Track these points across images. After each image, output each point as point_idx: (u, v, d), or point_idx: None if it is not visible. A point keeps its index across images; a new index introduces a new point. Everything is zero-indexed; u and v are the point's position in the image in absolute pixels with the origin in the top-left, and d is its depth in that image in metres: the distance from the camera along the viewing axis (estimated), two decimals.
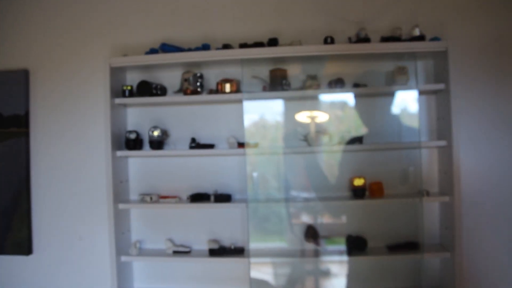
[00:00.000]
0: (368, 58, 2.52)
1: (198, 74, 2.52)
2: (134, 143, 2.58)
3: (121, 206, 2.56)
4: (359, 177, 2.48)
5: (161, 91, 2.58)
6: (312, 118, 2.61)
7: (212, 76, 2.62)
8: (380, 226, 2.57)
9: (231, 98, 2.50)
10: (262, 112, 2.60)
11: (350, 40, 2.50)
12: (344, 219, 2.60)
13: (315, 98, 2.59)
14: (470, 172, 2.49)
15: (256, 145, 2.51)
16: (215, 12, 2.69)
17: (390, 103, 2.57)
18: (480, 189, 2.52)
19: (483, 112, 2.54)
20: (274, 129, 2.61)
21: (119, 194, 2.58)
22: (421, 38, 2.41)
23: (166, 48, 2.52)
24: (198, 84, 2.51)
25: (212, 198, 2.52)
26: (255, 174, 2.53)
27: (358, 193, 2.47)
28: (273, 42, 2.46)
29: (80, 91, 2.78)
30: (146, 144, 2.64)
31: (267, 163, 2.60)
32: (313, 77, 2.50)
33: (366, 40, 2.45)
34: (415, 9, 2.59)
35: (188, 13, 2.71)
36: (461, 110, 2.45)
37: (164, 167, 2.71)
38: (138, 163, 2.73)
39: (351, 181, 2.52)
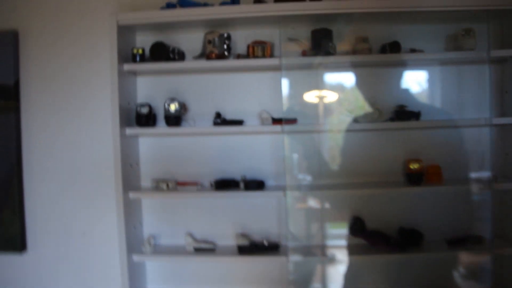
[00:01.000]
0: (423, 18, 2.12)
1: (225, 35, 2.08)
2: (146, 119, 2.14)
3: (132, 195, 2.13)
4: (416, 159, 2.10)
5: (179, 55, 2.15)
6: (359, 90, 2.21)
7: (239, 38, 2.18)
8: (437, 217, 2.19)
9: (264, 64, 2.07)
10: (301, 82, 2.18)
11: None
12: (395, 209, 2.21)
13: (364, 65, 2.17)
14: None
15: (294, 122, 2.11)
16: None
17: (450, 72, 2.19)
18: None
19: None
20: (314, 102, 2.20)
21: (129, 180, 2.15)
22: None
23: (186, 2, 2.08)
24: (225, 46, 2.08)
25: (241, 185, 2.11)
26: (295, 156, 2.12)
27: (413, 178, 2.09)
28: None
29: (80, 55, 2.32)
30: (160, 120, 2.21)
31: (306, 143, 2.18)
32: (364, 39, 2.09)
33: None
34: None
35: None
36: None
37: (181, 148, 2.28)
38: (150, 143, 2.30)
39: (406, 165, 2.13)
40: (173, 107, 2.12)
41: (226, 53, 2.08)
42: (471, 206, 2.14)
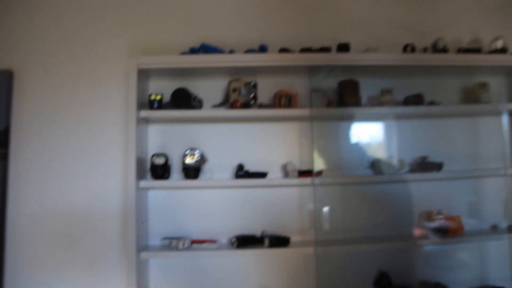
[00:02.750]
0: (441, 72, 2.18)
1: (253, 83, 1.99)
2: (162, 170, 1.96)
3: (145, 255, 1.91)
4: (440, 212, 2.09)
5: (199, 103, 2.02)
6: (381, 140, 2.20)
7: (262, 85, 2.07)
8: (458, 269, 2.17)
9: (291, 115, 1.99)
10: (326, 133, 2.11)
11: (425, 51, 2.15)
12: (417, 262, 2.16)
13: (386, 117, 2.17)
14: None
15: (320, 174, 2.02)
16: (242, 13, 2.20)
17: (465, 125, 2.25)
18: None
19: None
20: (339, 154, 2.14)
21: (139, 239, 1.92)
22: (503, 51, 2.13)
23: (209, 48, 1.97)
24: (251, 95, 1.98)
25: (266, 241, 1.97)
26: (325, 210, 2.02)
27: (438, 230, 2.08)
28: (344, 48, 2.02)
29: (85, 99, 2.10)
30: (174, 172, 2.05)
31: (334, 195, 2.09)
32: (388, 91, 2.09)
33: (444, 50, 2.11)
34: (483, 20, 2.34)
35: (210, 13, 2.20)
36: None
37: (193, 202, 2.09)
38: (159, 197, 2.08)
39: (429, 216, 2.12)
40: (194, 158, 1.96)
41: (252, 102, 1.99)
42: (492, 256, 2.16)
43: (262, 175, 2.02)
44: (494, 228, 2.19)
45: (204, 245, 1.99)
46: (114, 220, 2.02)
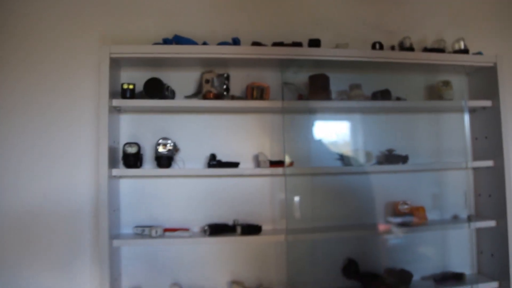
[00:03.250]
0: (407, 70, 2.28)
1: (225, 75, 2.03)
2: (134, 159, 1.97)
3: (116, 242, 1.91)
4: (405, 202, 2.19)
5: (171, 93, 2.05)
6: (349, 133, 2.28)
7: (234, 78, 2.11)
8: (422, 256, 2.27)
9: (263, 107, 2.04)
10: (296, 125, 2.18)
11: (393, 49, 2.25)
12: (383, 250, 2.25)
13: (355, 111, 2.25)
14: None
15: (291, 164, 2.08)
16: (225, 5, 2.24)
17: (428, 120, 2.35)
18: None
19: None
20: (309, 145, 2.21)
21: (111, 227, 1.92)
22: (465, 51, 2.25)
23: (182, 39, 2.00)
24: (224, 87, 2.02)
25: (238, 229, 2.01)
26: (296, 199, 2.08)
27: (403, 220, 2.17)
28: (314, 43, 2.09)
29: (56, 92, 2.07)
30: (146, 161, 2.07)
31: (304, 185, 2.15)
32: (357, 86, 2.17)
33: (410, 49, 2.21)
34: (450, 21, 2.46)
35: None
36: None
37: (165, 191, 2.10)
38: (131, 186, 2.09)
39: (395, 207, 2.21)
40: (166, 147, 1.98)
41: (225, 93, 2.03)
42: (452, 244, 2.28)
43: (234, 164, 2.06)
44: (455, 218, 2.31)
45: (176, 233, 2.01)
46: (85, 209, 2.02)
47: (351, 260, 2.16)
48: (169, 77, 2.09)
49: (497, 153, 2.17)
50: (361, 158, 2.16)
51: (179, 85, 2.11)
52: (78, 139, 2.06)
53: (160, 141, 1.98)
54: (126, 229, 2.06)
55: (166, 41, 1.99)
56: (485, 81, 2.25)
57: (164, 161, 1.98)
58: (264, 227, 2.08)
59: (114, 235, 1.94)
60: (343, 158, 2.19)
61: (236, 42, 2.04)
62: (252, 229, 2.02)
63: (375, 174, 2.22)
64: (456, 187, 2.30)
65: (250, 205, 2.13)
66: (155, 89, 1.94)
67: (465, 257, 2.27)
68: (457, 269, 2.24)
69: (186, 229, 2.03)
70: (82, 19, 2.12)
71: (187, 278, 2.07)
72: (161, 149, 1.97)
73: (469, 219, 2.22)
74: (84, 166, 2.04)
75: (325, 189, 2.20)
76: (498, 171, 2.16)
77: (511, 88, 2.31)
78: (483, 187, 2.29)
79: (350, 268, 2.15)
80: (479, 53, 2.24)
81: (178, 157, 2.07)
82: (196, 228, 2.08)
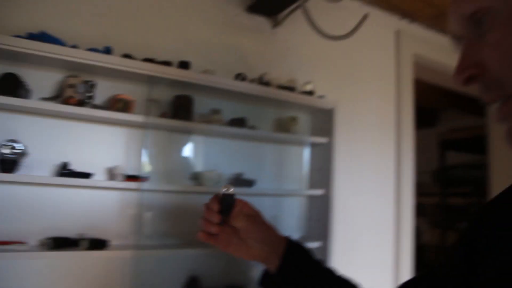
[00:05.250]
0: (263, 102, 2.51)
1: (92, 83, 1.94)
2: None
3: None
4: None
5: (26, 93, 1.87)
6: (205, 154, 2.38)
7: (100, 88, 2.04)
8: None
9: (126, 120, 2.01)
10: (157, 143, 2.19)
11: (252, 82, 2.45)
12: (227, 268, 2.38)
13: (213, 134, 2.36)
14: (340, 219, 2.72)
15: (146, 180, 2.08)
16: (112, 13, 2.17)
17: (275, 150, 2.61)
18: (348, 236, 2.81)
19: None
20: (167, 163, 2.23)
21: None
22: (311, 93, 2.58)
23: (49, 38, 1.86)
24: (89, 94, 1.92)
25: (83, 243, 1.90)
26: (148, 215, 2.06)
27: None
28: (184, 65, 2.15)
29: None
30: None
31: (153, 202, 2.16)
32: (217, 112, 2.30)
33: (267, 84, 2.45)
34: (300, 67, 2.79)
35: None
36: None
37: (5, 199, 1.87)
38: None
39: None
40: (13, 150, 1.79)
41: (87, 101, 1.93)
42: None
43: (86, 175, 1.97)
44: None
45: (10, 246, 1.83)
46: None
47: (193, 277, 2.25)
48: (26, 74, 1.90)
49: (327, 183, 2.54)
50: (213, 179, 2.28)
51: (37, 85, 1.93)
52: None
53: (7, 143, 1.79)
54: None
55: (30, 36, 1.83)
56: (324, 120, 2.61)
57: (9, 165, 1.79)
58: (112, 242, 2.02)
59: None
60: (197, 178, 2.28)
61: (107, 51, 1.98)
62: (98, 244, 1.95)
63: None
64: (293, 211, 2.60)
65: (99, 219, 2.05)
66: (11, 86, 1.76)
67: None
68: None
69: (22, 242, 1.85)
70: None
71: None
72: (6, 151, 1.78)
73: (303, 239, 2.52)
74: None
75: (177, 207, 2.26)
76: (327, 199, 2.52)
77: (343, 129, 2.74)
78: (314, 212, 2.63)
79: (192, 285, 2.23)
80: (322, 97, 2.60)
81: (25, 162, 1.89)
82: (34, 242, 1.92)
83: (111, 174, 2.06)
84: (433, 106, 5.98)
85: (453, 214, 5.00)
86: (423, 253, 5.47)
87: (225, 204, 1.31)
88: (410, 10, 3.24)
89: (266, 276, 1.51)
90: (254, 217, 1.40)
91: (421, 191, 5.97)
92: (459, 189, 5.19)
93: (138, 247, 2.01)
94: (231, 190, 1.33)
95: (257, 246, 1.37)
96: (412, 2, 3.10)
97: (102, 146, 2.08)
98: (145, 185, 2.04)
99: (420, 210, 6.01)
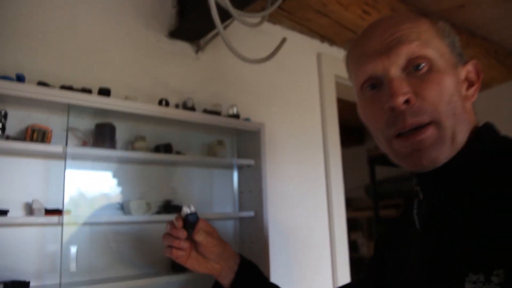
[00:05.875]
0: (189, 127, 2.52)
1: (3, 112, 1.84)
2: None
3: None
4: None
5: None
6: (131, 183, 2.32)
7: (12, 118, 1.95)
8: None
9: (44, 151, 1.92)
10: (79, 172, 2.11)
11: (177, 107, 2.45)
12: None
13: (138, 162, 2.32)
14: (276, 240, 2.74)
15: (68, 213, 1.99)
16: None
17: (204, 174, 2.61)
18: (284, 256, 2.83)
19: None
20: (91, 193, 2.15)
21: None
22: (236, 116, 2.62)
23: None
24: (0, 125, 1.82)
25: (0, 287, 1.77)
26: (73, 250, 1.96)
27: (179, 266, 2.27)
28: (105, 92, 2.11)
29: None
30: None
31: (78, 235, 2.06)
32: (142, 138, 2.26)
33: (192, 109, 2.46)
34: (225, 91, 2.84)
35: None
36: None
37: None
38: None
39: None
40: None
41: None
42: None
43: (2, 212, 1.85)
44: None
45: None
46: None
47: None
48: None
49: (257, 205, 2.56)
50: (142, 208, 2.23)
51: None
52: None
53: None
54: None
55: None
56: (251, 142, 2.66)
57: None
58: (33, 283, 1.90)
59: None
60: (123, 208, 2.22)
61: (20, 78, 1.90)
62: (17, 286, 1.83)
63: (154, 223, 2.32)
64: (227, 234, 2.58)
65: (16, 258, 1.90)
66: None
67: None
68: None
69: None
70: None
71: None
72: None
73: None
74: None
75: (104, 239, 2.17)
76: (258, 220, 2.54)
77: (269, 150, 2.80)
78: (246, 234, 2.63)
79: None
80: (247, 119, 2.65)
81: None
82: None
83: (30, 209, 1.95)
84: (360, 124, 6.29)
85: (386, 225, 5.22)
86: (362, 265, 5.63)
87: (189, 222, 1.49)
88: (329, 34, 3.44)
89: None
90: (212, 233, 1.65)
91: (355, 206, 6.22)
92: (390, 201, 5.43)
93: (64, 286, 1.91)
94: (193, 209, 1.53)
95: (214, 260, 1.65)
96: (331, 28, 3.29)
97: (18, 179, 1.96)
98: (67, 219, 1.95)
99: (357, 225, 6.24)
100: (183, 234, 1.49)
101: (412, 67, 1.02)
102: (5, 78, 1.87)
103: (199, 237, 1.50)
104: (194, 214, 1.50)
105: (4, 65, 2.00)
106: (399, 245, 1.25)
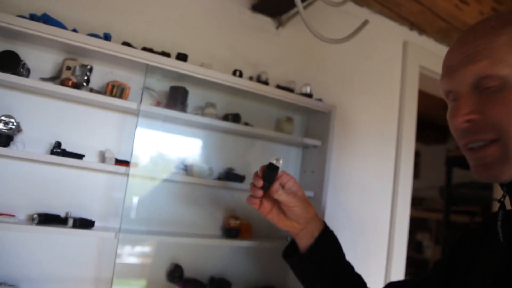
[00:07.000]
0: (260, 100, 2.55)
1: (89, 67, 2.01)
2: None
3: None
4: (235, 217, 2.41)
5: (27, 72, 1.95)
6: (196, 147, 2.42)
7: (96, 72, 2.11)
8: (244, 269, 2.51)
9: (121, 105, 2.06)
10: (149, 130, 2.25)
11: (251, 79, 2.49)
12: (209, 259, 2.42)
13: (206, 127, 2.40)
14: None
15: (136, 166, 2.14)
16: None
17: (267, 148, 2.64)
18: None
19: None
20: (157, 151, 2.29)
21: None
22: (309, 96, 2.60)
23: (52, 20, 1.93)
24: (85, 77, 1.99)
25: (70, 221, 1.97)
26: (135, 200, 2.12)
27: (232, 233, 2.37)
28: (182, 57, 2.21)
29: None
30: None
31: (141, 188, 2.21)
32: (213, 105, 2.34)
33: (265, 83, 2.48)
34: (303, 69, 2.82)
35: None
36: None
37: None
38: None
39: (226, 221, 2.41)
40: (8, 125, 1.86)
41: (84, 84, 2.00)
42: (272, 259, 2.56)
43: (79, 156, 2.03)
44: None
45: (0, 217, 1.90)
46: None
47: (177, 265, 2.29)
48: (26, 54, 1.98)
49: (318, 186, 2.54)
50: (204, 172, 2.32)
51: (36, 64, 2.01)
52: None
53: (2, 117, 1.86)
54: None
55: (32, 17, 1.90)
56: (320, 123, 2.63)
57: (3, 139, 1.86)
58: (98, 223, 2.08)
59: None
60: (186, 169, 2.32)
61: (107, 37, 2.05)
62: (84, 223, 2.00)
63: (214, 188, 2.41)
64: None
65: (86, 199, 2.10)
66: (10, 63, 1.83)
67: (283, 271, 2.56)
68: (273, 283, 2.54)
69: (12, 215, 1.93)
70: None
71: (9, 268, 1.95)
72: (1, 126, 1.85)
73: (286, 239, 2.53)
74: None
75: (165, 195, 2.30)
76: (316, 201, 2.53)
77: (338, 134, 2.75)
78: None
79: (175, 273, 2.26)
80: (320, 100, 2.62)
81: (19, 138, 1.97)
82: (22, 216, 1.99)
83: (102, 157, 2.12)
84: (444, 122, 5.91)
85: (456, 231, 4.91)
86: (425, 268, 5.39)
87: (268, 172, 1.58)
88: (419, 22, 3.24)
89: (291, 250, 1.76)
90: (296, 193, 1.69)
91: (426, 206, 5.92)
92: (465, 207, 5.10)
93: (123, 230, 2.06)
94: (280, 162, 1.61)
95: (294, 219, 1.63)
96: (422, 15, 3.11)
97: (95, 129, 2.14)
98: (134, 171, 2.09)
99: (425, 226, 5.95)
100: (257, 181, 1.62)
101: (484, 87, 1.03)
102: (94, 35, 2.03)
103: (278, 196, 1.57)
104: (275, 167, 1.57)
105: (94, 25, 2.16)
106: (476, 255, 1.21)
